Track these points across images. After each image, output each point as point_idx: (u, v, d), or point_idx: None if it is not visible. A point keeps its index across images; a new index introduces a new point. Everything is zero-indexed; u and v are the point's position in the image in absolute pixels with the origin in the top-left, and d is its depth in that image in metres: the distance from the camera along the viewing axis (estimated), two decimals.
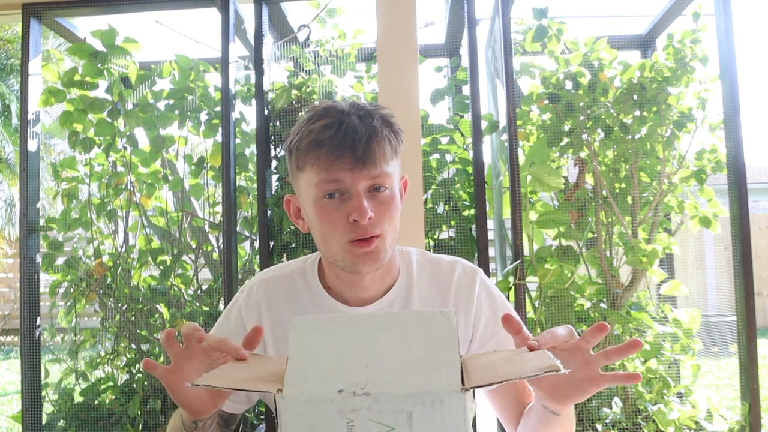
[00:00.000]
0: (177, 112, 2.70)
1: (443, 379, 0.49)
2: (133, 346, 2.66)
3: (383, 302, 0.96)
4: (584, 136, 2.46)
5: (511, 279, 2.32)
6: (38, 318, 2.56)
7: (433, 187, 2.51)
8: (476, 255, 2.39)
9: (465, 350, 0.98)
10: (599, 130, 2.45)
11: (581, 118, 2.44)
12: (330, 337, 0.58)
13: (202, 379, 0.56)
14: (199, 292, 2.70)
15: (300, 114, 2.56)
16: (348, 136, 0.81)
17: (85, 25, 2.98)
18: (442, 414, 0.47)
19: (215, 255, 2.77)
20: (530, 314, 2.38)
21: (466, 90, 2.56)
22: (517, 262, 2.30)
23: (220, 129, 2.60)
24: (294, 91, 2.56)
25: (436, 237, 2.51)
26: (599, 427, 2.22)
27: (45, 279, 2.74)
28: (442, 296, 0.98)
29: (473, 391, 0.51)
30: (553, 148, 2.50)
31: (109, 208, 2.71)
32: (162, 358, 2.62)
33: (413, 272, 0.99)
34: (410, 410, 0.48)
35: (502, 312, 0.95)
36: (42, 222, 2.66)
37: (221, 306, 2.65)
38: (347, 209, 0.83)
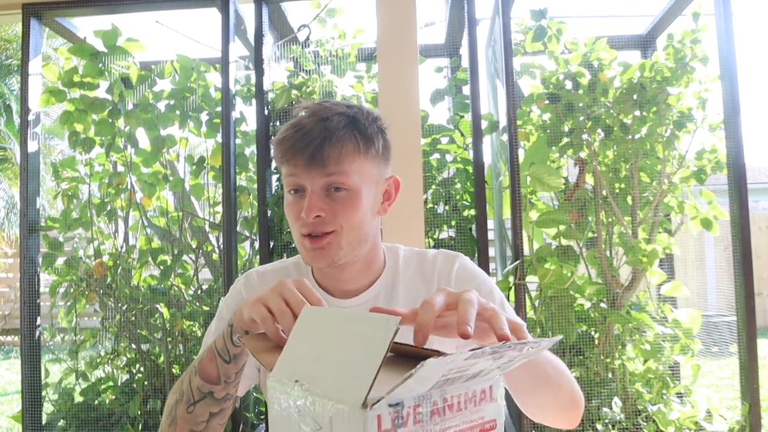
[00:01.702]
0: (178, 112, 2.70)
1: (353, 392, 0.49)
2: (133, 346, 2.66)
3: (368, 294, 0.99)
4: (584, 136, 2.46)
5: (511, 279, 2.32)
6: (38, 318, 2.57)
7: (433, 187, 2.51)
8: (476, 255, 2.39)
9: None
10: (599, 130, 2.45)
11: (581, 118, 2.44)
12: (318, 328, 0.61)
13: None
14: (199, 291, 2.70)
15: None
16: (302, 138, 0.87)
17: (85, 25, 2.98)
18: (349, 427, 0.49)
19: (215, 255, 2.77)
20: (530, 314, 2.38)
21: (466, 90, 2.56)
22: (517, 262, 2.30)
23: (220, 129, 2.60)
24: (294, 91, 2.56)
25: (436, 237, 2.51)
26: (599, 427, 2.22)
27: (45, 279, 2.74)
28: (426, 285, 1.00)
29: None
30: (553, 148, 2.50)
31: (109, 208, 2.71)
32: (162, 358, 2.63)
33: (399, 265, 1.02)
34: (331, 416, 0.50)
35: (484, 286, 0.98)
36: (42, 222, 2.66)
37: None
38: (302, 205, 0.89)
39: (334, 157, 0.87)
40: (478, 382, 0.56)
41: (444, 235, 2.51)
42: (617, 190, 2.45)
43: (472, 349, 0.49)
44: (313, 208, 0.87)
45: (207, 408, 0.84)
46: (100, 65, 2.62)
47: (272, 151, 0.95)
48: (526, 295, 2.35)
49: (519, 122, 2.49)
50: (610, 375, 2.36)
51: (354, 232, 0.91)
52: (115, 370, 2.69)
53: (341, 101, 0.94)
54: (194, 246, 2.74)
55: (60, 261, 2.70)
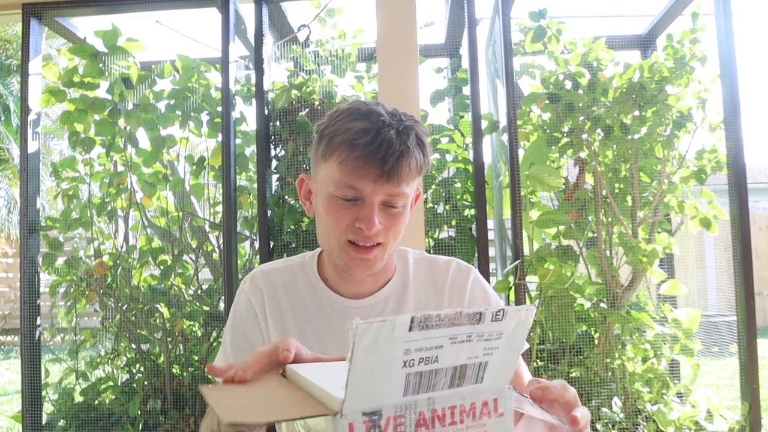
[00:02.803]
0: (178, 112, 2.70)
1: (331, 400, 0.49)
2: (134, 346, 2.66)
3: (378, 297, 0.98)
4: (584, 136, 2.46)
5: (511, 279, 2.32)
6: (38, 318, 2.56)
7: (433, 187, 2.51)
8: (476, 255, 2.39)
9: None
10: (599, 130, 2.45)
11: (581, 118, 2.44)
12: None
13: (234, 415, 0.49)
14: (199, 291, 2.70)
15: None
16: (382, 148, 0.81)
17: (86, 26, 2.98)
18: None
19: (215, 255, 2.77)
20: None
21: (466, 90, 2.56)
22: (517, 262, 2.30)
23: (220, 129, 2.60)
24: (294, 91, 2.56)
25: (436, 237, 2.51)
26: (599, 427, 2.22)
27: (45, 279, 2.74)
28: (437, 292, 1.00)
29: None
30: (553, 147, 2.50)
31: (109, 208, 2.71)
32: (162, 358, 2.63)
33: (410, 270, 1.02)
34: (311, 425, 0.51)
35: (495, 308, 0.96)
36: (42, 222, 2.66)
37: (221, 306, 2.65)
38: (356, 214, 0.86)
39: (405, 174, 0.84)
40: (477, 392, 0.51)
41: (444, 234, 2.51)
42: (617, 190, 2.45)
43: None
44: (375, 222, 0.84)
45: None
46: (101, 65, 2.62)
47: (324, 144, 0.86)
48: (526, 295, 2.35)
49: (519, 122, 2.49)
50: (610, 375, 2.36)
51: (395, 244, 0.91)
52: (115, 370, 2.70)
53: (394, 109, 0.88)
54: (194, 246, 2.74)
55: (60, 261, 2.71)
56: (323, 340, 0.94)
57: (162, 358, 2.62)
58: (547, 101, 2.48)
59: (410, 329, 0.45)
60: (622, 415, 2.25)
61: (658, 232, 2.45)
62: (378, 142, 0.81)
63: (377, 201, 0.85)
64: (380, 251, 0.88)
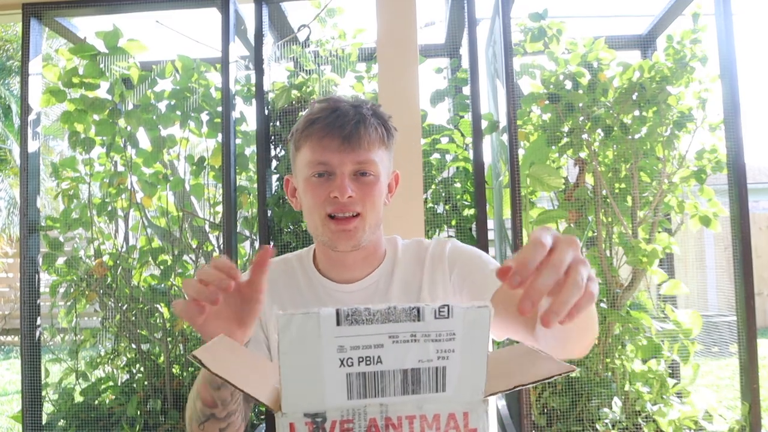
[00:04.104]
0: (178, 112, 2.70)
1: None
2: (134, 346, 2.66)
3: (368, 281, 1.02)
4: (584, 136, 2.46)
5: None
6: (38, 318, 2.56)
7: (433, 186, 2.51)
8: None
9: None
10: (599, 130, 2.45)
11: (581, 118, 2.44)
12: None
13: (205, 357, 0.51)
14: None
15: (300, 113, 2.56)
16: (339, 118, 0.91)
17: (86, 26, 2.98)
18: None
19: (216, 255, 2.77)
20: None
21: (466, 90, 2.56)
22: None
23: (220, 129, 2.60)
24: (294, 91, 2.56)
25: (435, 236, 2.51)
26: (599, 427, 2.22)
27: (45, 279, 2.74)
28: (420, 268, 1.03)
29: None
30: (553, 147, 2.50)
31: (109, 208, 2.71)
32: (162, 358, 2.63)
33: (398, 254, 1.06)
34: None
35: (475, 257, 1.00)
36: (42, 222, 2.66)
37: None
38: (330, 186, 0.92)
39: (367, 141, 0.92)
40: (440, 402, 0.47)
41: (444, 234, 2.51)
42: (617, 190, 2.45)
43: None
44: (347, 188, 0.90)
45: (215, 425, 0.87)
46: (101, 66, 2.62)
47: (294, 138, 0.97)
48: None
49: (519, 122, 2.49)
50: (610, 375, 2.36)
51: (374, 216, 0.95)
52: (115, 370, 2.70)
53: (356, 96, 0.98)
54: (194, 246, 2.74)
55: (60, 261, 2.70)
56: None
57: (162, 358, 2.62)
58: (547, 101, 2.48)
59: (338, 323, 0.44)
60: (622, 416, 2.25)
61: (659, 232, 2.45)
62: (335, 115, 0.91)
63: (347, 171, 0.92)
64: (360, 222, 0.93)
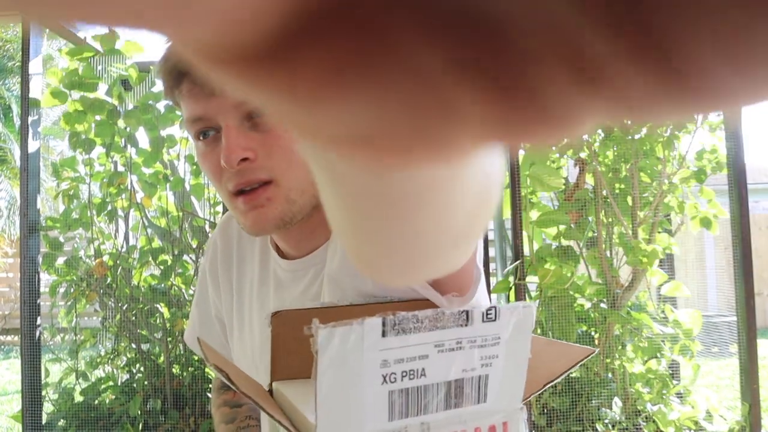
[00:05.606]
0: (178, 112, 2.70)
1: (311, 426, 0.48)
2: (134, 346, 2.66)
3: (315, 257, 0.72)
4: (584, 136, 2.46)
5: (511, 279, 2.33)
6: (38, 318, 2.57)
7: None
8: None
9: None
10: (599, 130, 2.45)
11: None
12: None
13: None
14: None
15: None
16: None
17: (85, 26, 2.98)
18: None
19: None
20: None
21: None
22: (517, 262, 2.30)
23: None
24: None
25: None
26: (599, 427, 2.22)
27: (45, 279, 2.74)
28: None
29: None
30: (553, 147, 2.50)
31: (109, 208, 2.72)
32: (162, 358, 2.63)
33: None
34: None
35: None
36: (42, 222, 2.66)
37: None
38: (219, 150, 0.62)
39: None
40: (481, 415, 0.44)
41: None
42: (617, 191, 2.45)
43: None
44: (235, 147, 0.60)
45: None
46: (99, 67, 2.62)
47: (166, 90, 0.68)
48: (527, 295, 2.35)
49: None
50: (610, 375, 2.36)
51: (293, 178, 0.63)
52: (115, 370, 2.70)
53: None
54: (194, 246, 2.74)
55: (60, 261, 2.71)
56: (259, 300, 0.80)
57: (162, 358, 2.63)
58: None
59: (383, 334, 0.38)
60: (622, 416, 2.25)
61: (659, 233, 2.45)
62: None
63: (231, 121, 0.61)
64: (273, 190, 0.62)
